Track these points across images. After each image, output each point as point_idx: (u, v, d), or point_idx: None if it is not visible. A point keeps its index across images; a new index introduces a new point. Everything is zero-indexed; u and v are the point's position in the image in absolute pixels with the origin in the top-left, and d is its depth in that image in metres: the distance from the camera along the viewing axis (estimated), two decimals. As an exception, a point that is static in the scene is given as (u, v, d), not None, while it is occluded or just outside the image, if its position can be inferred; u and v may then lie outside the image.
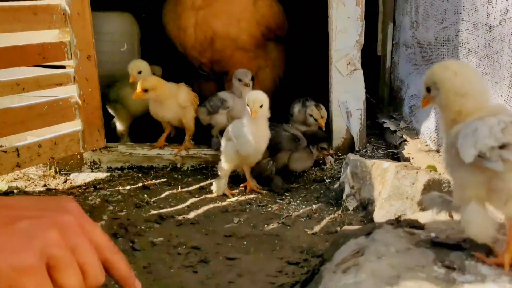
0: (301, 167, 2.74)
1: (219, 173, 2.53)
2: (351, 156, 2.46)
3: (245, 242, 2.06)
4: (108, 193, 2.51)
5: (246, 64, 3.07)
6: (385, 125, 2.98)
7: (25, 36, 2.52)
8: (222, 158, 2.52)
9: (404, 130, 2.86)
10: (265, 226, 2.19)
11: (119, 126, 3.14)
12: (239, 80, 2.82)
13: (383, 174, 2.21)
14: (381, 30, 3.23)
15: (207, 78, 3.43)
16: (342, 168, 2.52)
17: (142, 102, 2.91)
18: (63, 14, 2.59)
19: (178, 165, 2.88)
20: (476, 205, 1.18)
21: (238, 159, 2.49)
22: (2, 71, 2.52)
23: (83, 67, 2.68)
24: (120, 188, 2.58)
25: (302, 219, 2.27)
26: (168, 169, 2.87)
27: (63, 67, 2.80)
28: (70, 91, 2.70)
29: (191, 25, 3.07)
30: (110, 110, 3.12)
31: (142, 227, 2.15)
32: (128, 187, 2.60)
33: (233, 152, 2.46)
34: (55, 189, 2.58)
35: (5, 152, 2.43)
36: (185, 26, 3.09)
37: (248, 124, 2.43)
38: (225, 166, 2.50)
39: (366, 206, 2.24)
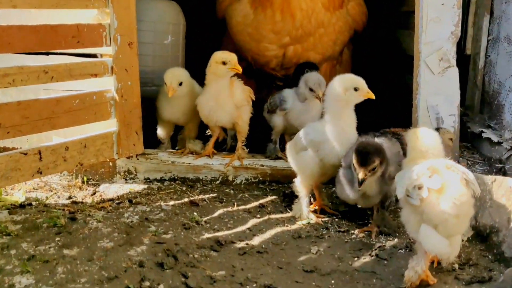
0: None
1: (298, 193, 2.05)
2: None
3: (332, 281, 1.54)
4: (148, 209, 2.02)
5: (323, 71, 2.82)
6: (484, 135, 2.44)
7: (56, 15, 2.10)
8: (299, 174, 2.03)
9: (510, 141, 2.32)
10: (355, 259, 1.68)
11: (161, 130, 2.67)
12: (310, 89, 2.29)
13: (510, 195, 1.68)
14: (473, 24, 2.72)
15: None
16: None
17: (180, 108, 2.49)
18: (103, -10, 2.16)
19: (230, 178, 2.39)
20: (425, 228, 1.53)
21: (320, 171, 1.98)
22: (28, 57, 2.09)
23: (123, 56, 2.23)
24: (162, 203, 2.09)
25: (400, 251, 1.74)
26: (218, 182, 2.38)
27: (94, 56, 2.38)
28: (106, 84, 2.25)
29: (276, 56, 2.81)
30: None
31: (196, 255, 1.65)
32: (171, 203, 2.11)
33: (313, 164, 1.96)
34: (82, 202, 2.11)
35: (25, 154, 1.97)
36: (269, 57, 2.82)
37: (332, 124, 1.96)
38: (304, 184, 2.01)
39: (487, 236, 1.71)
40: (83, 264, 1.54)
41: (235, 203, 2.11)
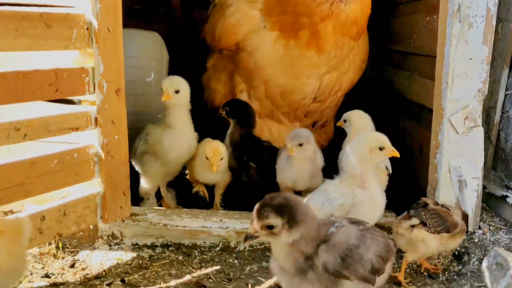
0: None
1: None
2: (507, 255, 1.72)
3: None
4: (147, 293, 1.68)
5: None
6: (508, 200, 2.24)
7: (29, 59, 1.74)
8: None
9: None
10: None
11: (146, 184, 2.33)
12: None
13: None
14: (490, 75, 2.52)
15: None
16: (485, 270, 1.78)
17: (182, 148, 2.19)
18: (87, 28, 1.81)
19: (232, 244, 2.07)
20: None
21: None
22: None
23: (109, 106, 1.89)
24: (162, 284, 1.75)
25: None
26: (218, 248, 2.07)
27: (70, 102, 2.04)
28: (88, 139, 1.90)
29: (313, 90, 2.62)
30: (134, 165, 2.32)
31: None
32: (173, 283, 1.77)
33: None
34: (63, 283, 1.73)
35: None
36: (306, 93, 2.62)
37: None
38: None
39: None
40: None
41: (247, 283, 1.80)
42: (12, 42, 1.59)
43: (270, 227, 1.26)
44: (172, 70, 2.86)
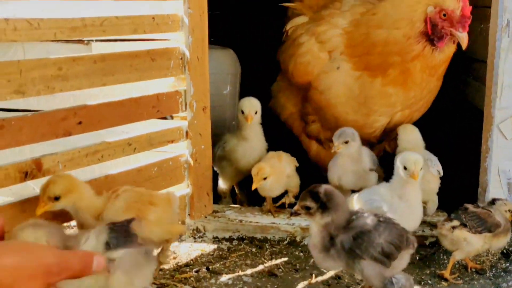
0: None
1: None
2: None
3: None
4: (230, 282, 2.06)
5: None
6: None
7: (136, 87, 2.13)
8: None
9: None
10: None
11: (223, 185, 2.71)
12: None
13: None
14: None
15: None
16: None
17: (252, 157, 2.53)
18: (181, 58, 2.19)
19: (298, 239, 2.42)
20: None
21: None
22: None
23: (198, 121, 2.28)
24: (240, 272, 2.13)
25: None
26: (286, 242, 2.42)
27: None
28: (180, 149, 2.29)
29: (382, 125, 2.63)
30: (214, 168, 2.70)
31: None
32: (249, 272, 2.15)
33: None
34: (160, 269, 2.15)
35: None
36: (375, 128, 2.63)
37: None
38: None
39: None
40: None
41: (311, 273, 2.16)
42: (127, 76, 1.99)
43: (307, 208, 1.64)
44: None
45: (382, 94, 2.43)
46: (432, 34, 2.24)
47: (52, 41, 1.93)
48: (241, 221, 2.46)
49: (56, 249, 1.23)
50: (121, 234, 1.53)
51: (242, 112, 2.51)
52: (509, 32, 2.34)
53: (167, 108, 2.18)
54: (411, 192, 2.07)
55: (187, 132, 2.27)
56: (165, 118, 2.38)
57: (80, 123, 1.77)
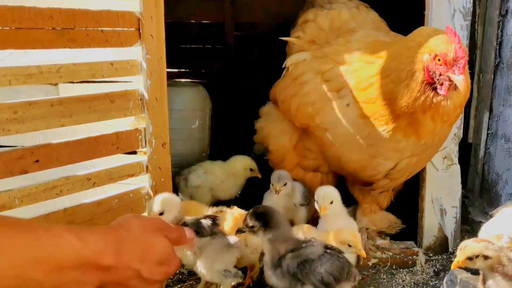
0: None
1: None
2: (458, 273, 2.14)
3: None
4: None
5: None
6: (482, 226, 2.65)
7: (95, 126, 2.33)
8: None
9: (507, 232, 2.53)
10: None
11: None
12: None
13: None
14: (474, 117, 2.94)
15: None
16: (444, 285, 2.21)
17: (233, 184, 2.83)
18: (140, 99, 2.40)
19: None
20: None
21: None
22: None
23: (157, 156, 2.47)
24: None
25: None
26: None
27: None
28: (141, 182, 2.48)
29: (386, 170, 2.50)
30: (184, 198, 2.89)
31: None
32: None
33: None
34: None
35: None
36: (378, 171, 2.51)
37: None
38: None
39: None
40: None
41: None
42: (86, 116, 2.19)
43: (252, 227, 1.89)
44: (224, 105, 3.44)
45: (392, 139, 2.31)
46: (434, 83, 2.07)
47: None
48: (200, 248, 2.64)
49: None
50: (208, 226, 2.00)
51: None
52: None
53: (126, 145, 2.38)
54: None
55: (147, 166, 2.46)
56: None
57: (37, 161, 1.96)
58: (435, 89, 2.08)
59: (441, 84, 2.06)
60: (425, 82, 2.08)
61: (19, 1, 1.93)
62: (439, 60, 2.02)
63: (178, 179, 2.95)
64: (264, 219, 1.90)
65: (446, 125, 2.28)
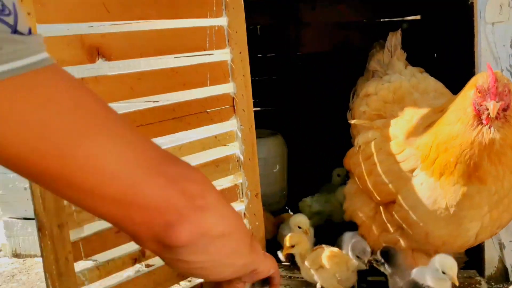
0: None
1: None
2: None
3: None
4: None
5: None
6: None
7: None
8: None
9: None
10: None
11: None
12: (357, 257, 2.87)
13: None
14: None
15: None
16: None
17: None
18: (237, 161, 3.07)
19: None
20: None
21: None
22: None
23: (252, 205, 3.12)
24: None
25: None
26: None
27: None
28: (241, 225, 3.14)
29: (474, 233, 2.47)
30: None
31: None
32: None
33: None
34: None
35: (191, 282, 2.90)
36: (467, 237, 2.50)
37: None
38: None
39: None
40: None
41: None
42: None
43: (376, 260, 2.69)
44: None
45: (465, 197, 2.31)
46: (479, 115, 2.16)
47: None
48: (290, 277, 3.24)
49: None
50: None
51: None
52: None
53: (229, 198, 3.06)
54: None
55: (245, 214, 3.12)
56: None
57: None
58: (481, 122, 2.16)
59: (483, 114, 2.16)
60: (474, 115, 2.18)
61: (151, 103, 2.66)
62: (479, 92, 2.15)
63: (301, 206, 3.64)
64: (387, 257, 2.54)
65: (506, 168, 2.23)
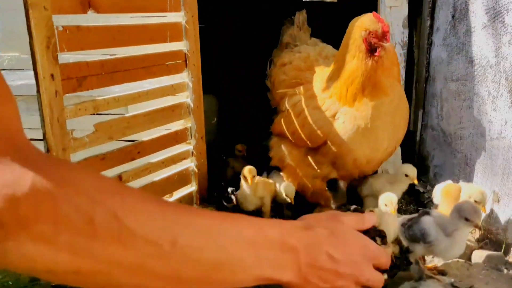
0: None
1: None
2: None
3: None
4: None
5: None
6: (415, 187, 3.99)
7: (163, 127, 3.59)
8: None
9: (429, 192, 3.87)
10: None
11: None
12: (466, 219, 2.22)
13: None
14: (413, 113, 4.24)
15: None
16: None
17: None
18: (188, 108, 3.66)
19: (263, 215, 3.90)
20: None
21: None
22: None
23: (198, 146, 3.71)
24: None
25: None
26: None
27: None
28: (189, 163, 3.76)
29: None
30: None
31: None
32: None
33: None
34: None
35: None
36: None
37: None
38: None
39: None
40: None
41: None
42: (158, 122, 3.46)
43: None
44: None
45: (374, 108, 2.86)
46: (371, 50, 2.81)
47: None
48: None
49: None
50: None
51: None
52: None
53: (181, 139, 3.65)
54: None
55: (192, 152, 3.73)
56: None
57: (138, 152, 3.24)
58: (372, 53, 2.82)
59: (375, 50, 2.81)
60: (366, 50, 2.82)
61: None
62: (374, 36, 2.79)
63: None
64: None
65: (395, 80, 2.89)
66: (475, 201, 2.60)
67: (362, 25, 2.85)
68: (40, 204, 0.81)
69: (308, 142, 3.20)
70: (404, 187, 3.21)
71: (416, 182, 3.10)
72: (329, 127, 3.04)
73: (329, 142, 3.06)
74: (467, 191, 2.71)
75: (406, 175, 3.09)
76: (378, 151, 2.99)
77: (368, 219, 1.28)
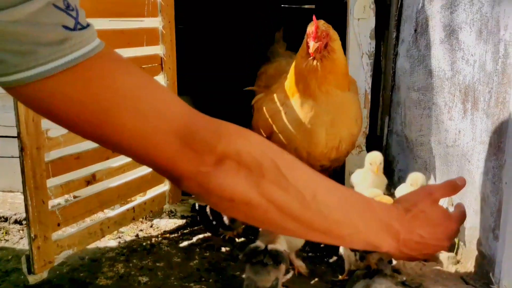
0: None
1: None
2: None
3: None
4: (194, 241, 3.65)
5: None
6: (379, 191, 4.17)
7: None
8: None
9: (393, 195, 4.06)
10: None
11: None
12: None
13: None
14: (380, 119, 4.44)
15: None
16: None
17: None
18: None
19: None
20: None
21: None
22: None
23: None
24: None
25: None
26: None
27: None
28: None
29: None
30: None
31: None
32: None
33: None
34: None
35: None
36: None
37: None
38: None
39: None
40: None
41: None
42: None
43: None
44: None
45: (306, 108, 3.05)
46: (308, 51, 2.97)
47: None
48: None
49: None
50: None
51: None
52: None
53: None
54: None
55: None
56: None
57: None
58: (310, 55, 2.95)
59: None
60: (306, 50, 2.99)
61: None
62: (307, 35, 3.00)
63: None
64: None
65: (332, 86, 2.99)
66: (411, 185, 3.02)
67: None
68: (233, 147, 1.30)
69: (262, 132, 3.41)
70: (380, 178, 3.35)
71: (376, 171, 3.21)
72: (277, 117, 3.27)
73: (276, 130, 3.26)
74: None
75: (370, 164, 3.24)
76: (317, 144, 3.10)
77: (458, 185, 1.93)
